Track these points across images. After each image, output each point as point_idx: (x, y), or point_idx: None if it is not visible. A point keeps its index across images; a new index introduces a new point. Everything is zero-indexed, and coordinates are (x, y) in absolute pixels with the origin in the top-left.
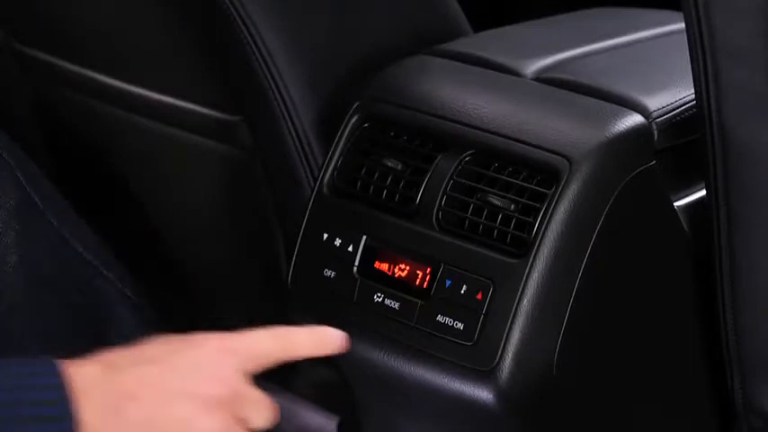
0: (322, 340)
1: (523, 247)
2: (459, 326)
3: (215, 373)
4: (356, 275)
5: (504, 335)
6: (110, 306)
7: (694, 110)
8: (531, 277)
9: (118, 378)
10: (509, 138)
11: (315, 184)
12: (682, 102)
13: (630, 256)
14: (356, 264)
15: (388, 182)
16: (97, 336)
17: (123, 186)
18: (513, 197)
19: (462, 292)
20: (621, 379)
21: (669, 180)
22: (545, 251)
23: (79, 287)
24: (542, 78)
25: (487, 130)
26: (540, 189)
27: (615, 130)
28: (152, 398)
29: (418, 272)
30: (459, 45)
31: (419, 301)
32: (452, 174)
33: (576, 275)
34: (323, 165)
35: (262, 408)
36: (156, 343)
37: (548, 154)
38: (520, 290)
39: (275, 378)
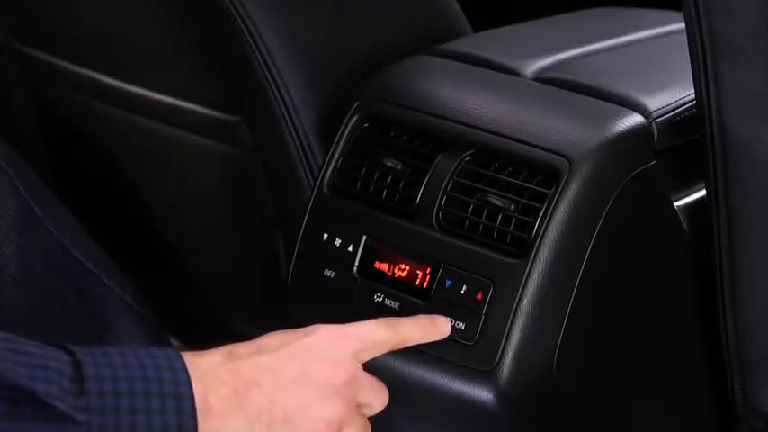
0: (429, 328)
1: (523, 247)
2: (460, 326)
3: (331, 359)
4: (356, 275)
5: (504, 335)
6: (110, 314)
7: (694, 110)
8: (531, 277)
9: (238, 365)
10: (509, 138)
11: (315, 184)
12: (682, 102)
13: (630, 256)
14: (356, 264)
15: (388, 182)
16: (98, 343)
17: (123, 186)
18: (513, 197)
19: (462, 292)
20: (621, 379)
21: (669, 180)
22: (545, 251)
23: (80, 295)
24: (542, 78)
25: (487, 130)
26: (540, 189)
27: (615, 130)
28: (272, 384)
29: (418, 272)
30: (459, 45)
31: (419, 301)
32: (452, 174)
33: (575, 275)
34: (323, 165)
35: (377, 393)
36: (273, 335)
37: (548, 154)
38: (520, 290)
39: None
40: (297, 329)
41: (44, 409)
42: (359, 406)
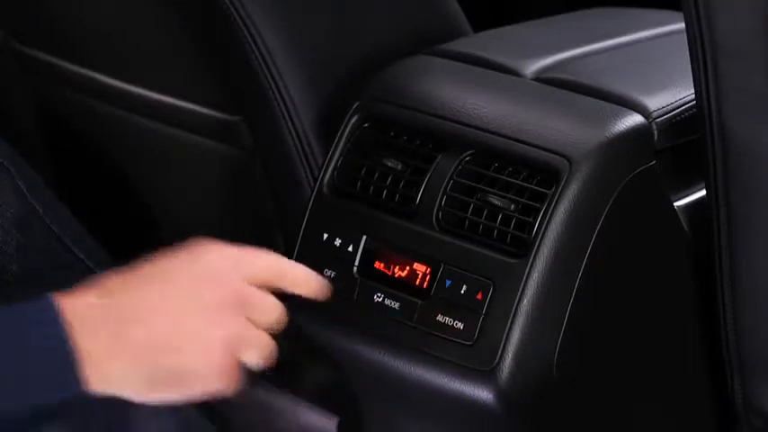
0: (311, 278)
1: (523, 247)
2: (459, 326)
3: (216, 279)
4: (356, 275)
5: (504, 335)
6: None
7: (694, 110)
8: (531, 277)
9: (115, 303)
10: (509, 138)
11: (315, 184)
12: (682, 102)
13: (630, 256)
14: (356, 264)
15: (388, 182)
16: None
17: (123, 186)
18: (513, 197)
19: (462, 292)
20: (621, 379)
21: (669, 180)
22: (545, 251)
23: None
24: (542, 78)
25: (487, 130)
26: (540, 189)
27: (615, 130)
28: (157, 319)
29: (418, 272)
30: (459, 45)
31: (419, 301)
32: (452, 174)
33: (575, 275)
34: (323, 165)
35: (269, 307)
36: (152, 261)
37: (548, 154)
38: (520, 290)
39: (275, 378)
40: (177, 251)
41: None
42: (254, 321)
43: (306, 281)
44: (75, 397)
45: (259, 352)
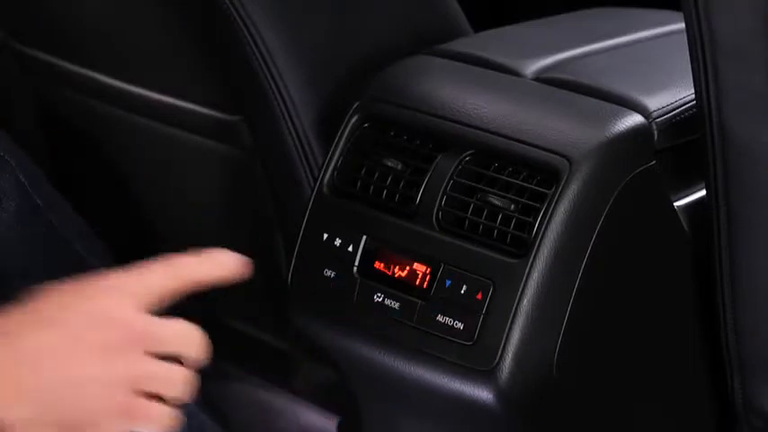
0: (215, 263)
1: (523, 247)
2: (459, 326)
3: (112, 318)
4: (356, 275)
5: (504, 335)
6: None
7: (694, 110)
8: (531, 277)
9: (12, 346)
10: (509, 138)
11: (315, 184)
12: (682, 102)
13: (630, 256)
14: (356, 264)
15: (388, 182)
16: None
17: (123, 186)
18: (513, 197)
19: (462, 292)
20: (621, 379)
21: (669, 180)
22: (545, 251)
23: None
24: (542, 78)
25: (487, 130)
26: (540, 189)
27: (615, 130)
28: (50, 363)
29: (418, 272)
30: (459, 45)
31: (419, 301)
32: (452, 174)
33: (576, 275)
34: (323, 165)
35: (181, 338)
36: (49, 299)
37: (548, 154)
38: (520, 290)
39: (275, 377)
40: (76, 289)
41: None
42: (159, 357)
43: (209, 267)
44: None
45: (170, 384)
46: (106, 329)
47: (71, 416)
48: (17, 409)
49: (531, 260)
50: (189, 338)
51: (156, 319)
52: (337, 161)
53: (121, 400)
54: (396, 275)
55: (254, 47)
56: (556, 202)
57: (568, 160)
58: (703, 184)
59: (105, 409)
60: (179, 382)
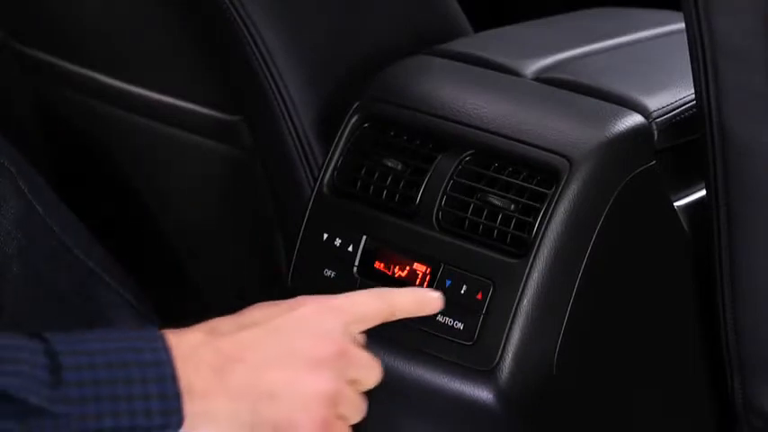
0: (422, 301)
1: (523, 247)
2: (459, 326)
3: (318, 332)
4: (356, 275)
5: (504, 335)
6: (112, 313)
7: (694, 110)
8: (531, 277)
9: (220, 342)
10: (509, 138)
11: (315, 184)
12: (682, 102)
13: (630, 256)
14: (356, 264)
15: (388, 182)
16: None
17: (123, 186)
18: (513, 197)
19: (462, 292)
20: (621, 379)
21: (669, 180)
22: (545, 251)
23: (81, 295)
24: (542, 78)
25: (487, 130)
26: (540, 189)
27: (615, 130)
28: (255, 360)
29: (418, 272)
30: (459, 45)
31: None
32: (452, 174)
33: (576, 275)
34: (323, 165)
35: (369, 368)
36: (258, 308)
37: (548, 154)
38: (520, 290)
39: None
40: (283, 301)
41: (13, 405)
42: (351, 382)
43: (416, 304)
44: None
45: (356, 407)
46: (313, 341)
47: (272, 419)
48: (216, 401)
49: (531, 260)
50: (374, 369)
51: (353, 345)
52: (337, 161)
53: (323, 414)
54: (396, 275)
55: (254, 47)
56: (556, 203)
57: (568, 160)
58: (703, 184)
59: (306, 420)
60: (362, 407)
